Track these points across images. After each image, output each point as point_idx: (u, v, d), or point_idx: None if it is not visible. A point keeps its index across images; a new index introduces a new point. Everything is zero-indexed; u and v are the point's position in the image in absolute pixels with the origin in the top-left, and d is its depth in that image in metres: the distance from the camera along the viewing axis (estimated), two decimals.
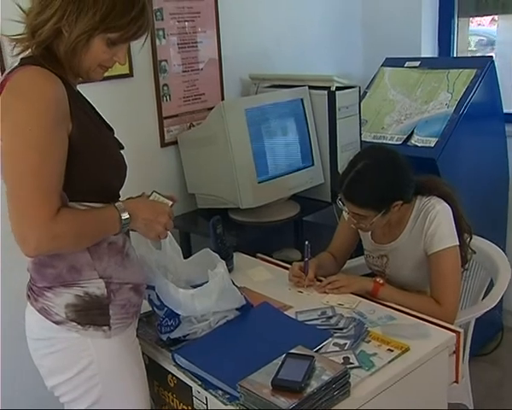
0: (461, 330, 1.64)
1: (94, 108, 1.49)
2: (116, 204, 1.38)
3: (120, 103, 2.28)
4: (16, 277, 1.56)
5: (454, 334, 1.61)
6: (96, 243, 1.38)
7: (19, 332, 1.50)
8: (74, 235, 1.31)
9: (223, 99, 2.63)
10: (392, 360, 1.48)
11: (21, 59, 1.33)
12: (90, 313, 1.39)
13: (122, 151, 1.51)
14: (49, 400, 1.52)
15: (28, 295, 1.45)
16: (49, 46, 1.33)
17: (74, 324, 1.38)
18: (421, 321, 1.66)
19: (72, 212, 1.33)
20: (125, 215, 1.37)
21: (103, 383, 1.42)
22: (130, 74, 2.30)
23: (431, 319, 1.67)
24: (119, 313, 1.42)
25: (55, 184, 1.27)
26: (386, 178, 1.79)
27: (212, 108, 2.38)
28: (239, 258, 2.13)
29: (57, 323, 1.38)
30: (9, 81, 1.28)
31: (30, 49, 1.34)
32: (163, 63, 2.40)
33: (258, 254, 2.20)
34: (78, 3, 1.27)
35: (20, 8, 1.35)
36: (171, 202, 1.51)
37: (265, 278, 2.00)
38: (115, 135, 1.53)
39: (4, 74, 1.34)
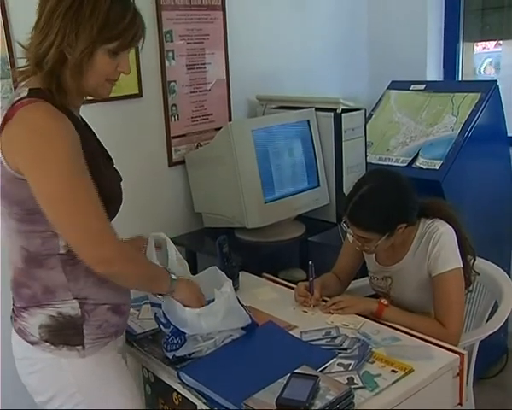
0: (465, 352, 1.64)
1: (96, 138, 1.52)
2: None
3: (129, 123, 2.31)
4: None
5: (458, 356, 1.61)
6: (73, 264, 1.38)
7: None
8: (138, 265, 1.43)
9: (230, 120, 2.66)
10: (396, 381, 1.48)
11: (30, 89, 1.32)
12: (64, 333, 1.40)
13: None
14: None
15: (11, 316, 1.48)
16: (57, 77, 1.34)
17: (48, 344, 1.39)
18: (425, 343, 1.67)
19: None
20: (174, 276, 1.51)
21: (88, 400, 1.43)
22: (140, 94, 2.34)
23: (435, 340, 1.68)
24: (94, 333, 1.42)
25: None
26: (390, 201, 1.81)
27: (219, 129, 2.42)
28: (245, 277, 2.14)
29: (32, 343, 1.40)
30: (20, 112, 1.28)
31: (33, 78, 1.35)
32: (172, 84, 2.44)
33: (264, 274, 2.21)
34: (75, 22, 1.30)
35: (21, 44, 1.37)
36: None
37: (271, 298, 2.01)
38: (115, 164, 1.55)
39: (13, 100, 1.33)
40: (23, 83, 1.37)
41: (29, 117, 1.29)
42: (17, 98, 1.32)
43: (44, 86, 1.32)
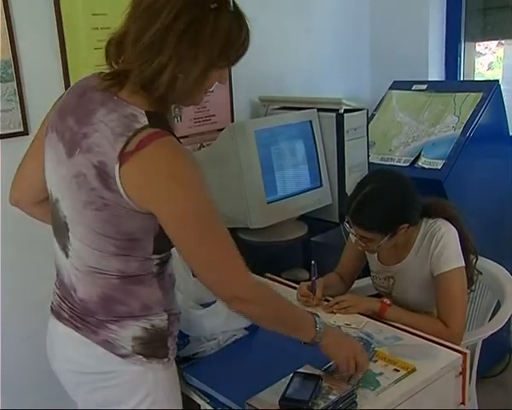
0: (467, 352, 1.64)
1: None
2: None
3: None
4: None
5: (460, 355, 1.61)
6: (163, 278, 1.37)
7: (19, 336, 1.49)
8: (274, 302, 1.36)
9: (232, 121, 2.67)
10: (399, 380, 1.49)
11: (148, 115, 1.20)
12: (153, 346, 1.35)
13: None
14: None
15: (77, 327, 1.35)
16: (166, 99, 1.24)
17: (140, 357, 1.33)
18: (427, 342, 1.68)
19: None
20: (320, 324, 1.42)
21: None
22: None
23: (437, 339, 1.68)
24: (173, 343, 1.40)
25: None
26: (392, 202, 1.81)
27: (222, 130, 2.42)
28: None
29: (122, 356, 1.32)
30: (151, 150, 1.17)
31: (137, 94, 1.23)
32: None
33: (267, 274, 2.22)
34: (195, 43, 1.17)
35: (108, 60, 1.26)
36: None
37: None
38: None
39: (130, 125, 1.19)
40: (123, 96, 1.23)
41: (163, 159, 1.20)
42: (138, 126, 1.19)
43: (154, 108, 1.22)
